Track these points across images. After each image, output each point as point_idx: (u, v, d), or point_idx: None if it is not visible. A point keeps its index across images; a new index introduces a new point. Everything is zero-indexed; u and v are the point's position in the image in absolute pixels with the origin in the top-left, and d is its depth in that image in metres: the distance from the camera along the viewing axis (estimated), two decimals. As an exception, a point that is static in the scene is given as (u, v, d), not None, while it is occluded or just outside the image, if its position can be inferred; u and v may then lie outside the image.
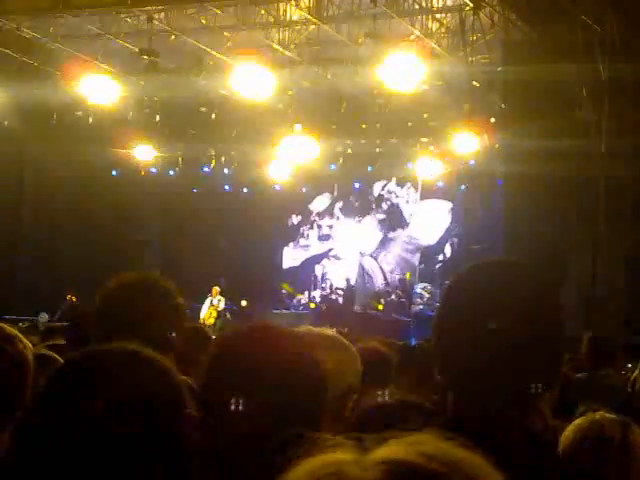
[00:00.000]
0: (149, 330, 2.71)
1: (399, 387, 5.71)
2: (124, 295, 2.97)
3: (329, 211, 27.77)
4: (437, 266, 25.52)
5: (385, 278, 26.29)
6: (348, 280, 26.25)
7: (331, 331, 2.93)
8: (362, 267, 26.96)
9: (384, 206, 27.07)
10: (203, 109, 20.22)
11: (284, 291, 25.65)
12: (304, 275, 26.98)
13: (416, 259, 26.19)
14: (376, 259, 26.83)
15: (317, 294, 26.38)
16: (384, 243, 26.87)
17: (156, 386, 1.66)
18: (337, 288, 25.92)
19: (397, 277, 26.06)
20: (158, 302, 2.99)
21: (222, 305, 22.35)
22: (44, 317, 19.79)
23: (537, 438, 1.85)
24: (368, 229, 27.18)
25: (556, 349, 1.89)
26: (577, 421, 2.89)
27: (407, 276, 25.29)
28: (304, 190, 27.18)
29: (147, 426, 1.60)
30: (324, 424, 1.88)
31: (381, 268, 26.68)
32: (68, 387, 1.63)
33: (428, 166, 23.55)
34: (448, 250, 25.67)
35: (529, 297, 1.88)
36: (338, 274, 26.88)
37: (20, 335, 2.76)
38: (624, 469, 2.77)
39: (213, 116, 20.82)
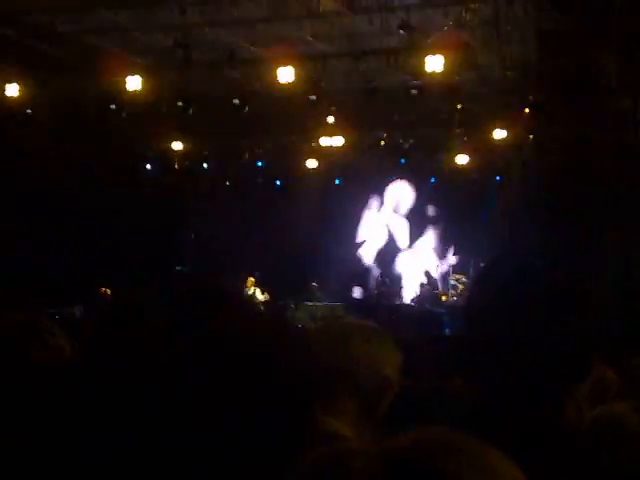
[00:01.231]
0: None
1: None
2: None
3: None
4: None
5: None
6: (382, 274, 26.24)
7: (371, 322, 2.94)
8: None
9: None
10: (236, 101, 20.22)
11: (314, 284, 25.65)
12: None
13: (450, 250, 26.14)
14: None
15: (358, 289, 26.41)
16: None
17: None
18: (381, 280, 25.94)
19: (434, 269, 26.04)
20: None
21: (259, 296, 22.43)
22: (78, 310, 19.90)
23: (568, 430, 1.83)
24: (403, 222, 27.14)
25: (587, 341, 1.87)
26: (595, 412, 2.87)
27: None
28: (337, 182, 27.19)
29: None
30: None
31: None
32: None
33: (462, 157, 23.48)
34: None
35: (557, 288, 1.86)
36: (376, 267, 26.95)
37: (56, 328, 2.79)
38: None
39: (246, 109, 20.82)
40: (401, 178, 27.04)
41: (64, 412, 1.90)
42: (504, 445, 1.74)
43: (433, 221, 26.63)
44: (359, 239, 27.70)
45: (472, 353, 1.90)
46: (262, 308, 21.63)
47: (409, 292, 25.54)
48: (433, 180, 26.57)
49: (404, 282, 26.36)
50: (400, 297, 25.74)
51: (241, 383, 1.77)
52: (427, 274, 25.12)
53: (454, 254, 25.70)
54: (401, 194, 27.13)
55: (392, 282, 26.19)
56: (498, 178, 24.49)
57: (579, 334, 1.84)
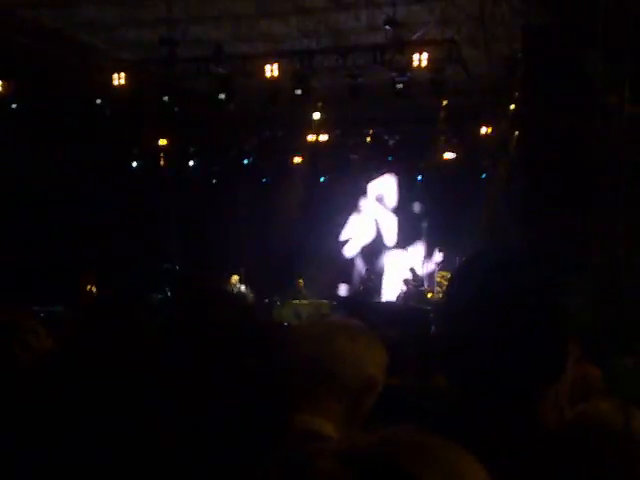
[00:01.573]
0: None
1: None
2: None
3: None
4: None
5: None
6: (368, 271, 26.24)
7: (356, 321, 2.92)
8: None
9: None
10: (222, 97, 20.18)
11: (301, 281, 25.64)
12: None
13: (437, 248, 26.16)
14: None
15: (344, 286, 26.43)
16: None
17: None
18: (367, 277, 25.95)
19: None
20: None
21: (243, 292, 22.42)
22: (59, 308, 19.81)
23: (546, 429, 1.83)
24: (391, 217, 27.14)
25: (563, 339, 1.86)
26: (578, 409, 2.87)
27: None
28: (322, 180, 27.19)
29: None
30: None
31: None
32: None
33: (448, 154, 23.51)
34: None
35: (530, 287, 1.85)
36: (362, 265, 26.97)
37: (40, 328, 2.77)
38: (626, 457, 2.74)
39: (232, 105, 20.80)
40: (386, 172, 27.04)
41: (47, 411, 1.88)
42: (480, 444, 1.73)
43: (419, 218, 26.65)
44: (346, 236, 27.73)
45: (450, 351, 1.90)
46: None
47: (394, 289, 25.55)
48: (420, 178, 26.58)
49: (389, 279, 26.38)
50: (385, 294, 25.75)
51: (223, 382, 1.77)
52: (412, 271, 25.12)
53: (440, 251, 25.72)
54: (385, 186, 27.12)
55: (378, 279, 26.21)
56: (483, 175, 24.54)
57: (554, 333, 1.83)
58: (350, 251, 27.57)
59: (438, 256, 25.73)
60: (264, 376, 1.84)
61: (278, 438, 1.84)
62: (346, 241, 27.70)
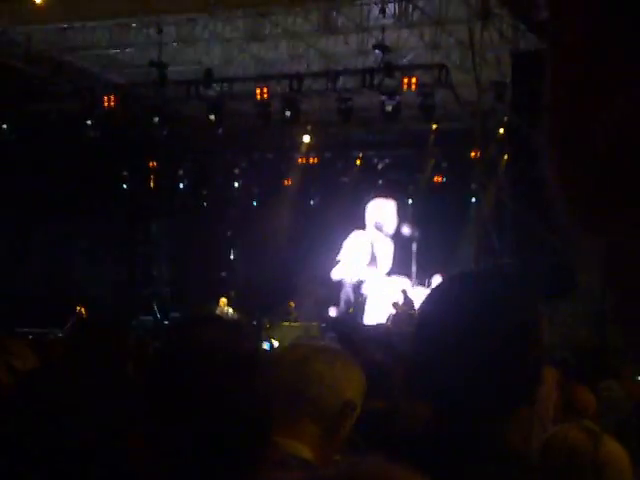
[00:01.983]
0: None
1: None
2: None
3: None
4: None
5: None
6: (359, 293, 26.21)
7: (334, 345, 2.93)
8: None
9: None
10: (212, 118, 20.21)
11: (291, 305, 25.55)
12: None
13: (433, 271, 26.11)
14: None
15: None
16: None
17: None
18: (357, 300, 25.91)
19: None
20: None
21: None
22: (51, 331, 19.74)
23: (514, 452, 1.84)
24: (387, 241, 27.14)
25: (534, 364, 1.87)
26: (548, 434, 2.87)
27: None
28: (312, 203, 27.21)
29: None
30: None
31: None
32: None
33: (438, 177, 23.60)
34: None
35: (505, 311, 1.86)
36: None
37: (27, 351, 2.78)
38: None
39: (220, 130, 20.84)
40: (380, 196, 27.06)
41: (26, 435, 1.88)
42: (450, 468, 1.74)
43: (410, 241, 26.65)
44: (340, 258, 27.70)
45: (421, 373, 1.90)
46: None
47: (384, 312, 25.51)
48: (411, 201, 26.62)
49: (380, 302, 26.34)
50: (375, 317, 25.71)
51: (202, 409, 1.77)
52: (404, 294, 25.09)
53: (438, 274, 25.65)
54: (384, 212, 27.13)
55: (368, 302, 26.16)
56: (473, 199, 24.57)
57: (525, 357, 1.84)
58: (342, 274, 27.54)
59: (437, 278, 25.62)
60: (248, 401, 1.85)
61: (257, 462, 1.85)
62: (339, 263, 27.67)
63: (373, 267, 27.06)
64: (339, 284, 27.56)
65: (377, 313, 25.68)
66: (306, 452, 2.50)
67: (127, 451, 1.77)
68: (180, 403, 1.77)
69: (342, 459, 2.60)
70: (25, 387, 1.89)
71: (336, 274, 27.47)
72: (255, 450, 1.80)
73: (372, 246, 27.29)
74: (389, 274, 26.89)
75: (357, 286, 26.85)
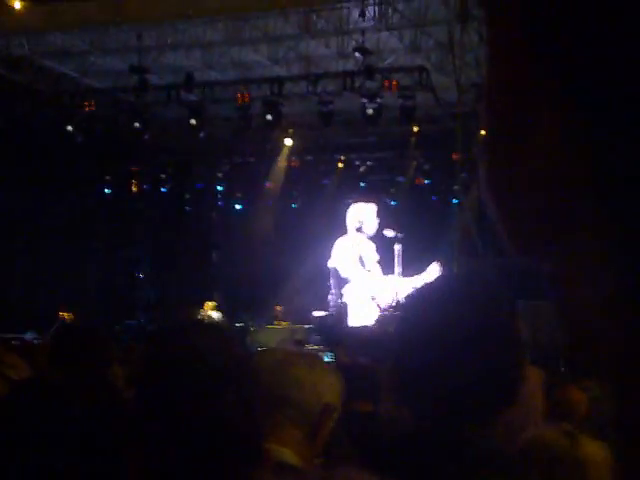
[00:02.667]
0: None
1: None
2: None
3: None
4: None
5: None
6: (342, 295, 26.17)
7: (310, 350, 2.97)
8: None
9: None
10: (193, 122, 20.21)
11: (278, 308, 25.51)
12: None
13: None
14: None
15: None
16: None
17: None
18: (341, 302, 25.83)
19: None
20: None
21: (215, 319, 22.32)
22: (31, 336, 19.66)
23: (496, 454, 1.85)
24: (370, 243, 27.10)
25: (514, 365, 1.89)
26: (527, 437, 2.88)
27: None
28: (294, 206, 27.22)
29: None
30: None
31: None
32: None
33: (420, 180, 23.63)
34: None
35: (485, 314, 1.88)
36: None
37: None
38: None
39: (202, 134, 20.83)
40: (364, 199, 27.03)
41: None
42: (433, 470, 1.76)
43: (392, 243, 26.62)
44: (326, 260, 27.65)
45: (404, 377, 1.92)
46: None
47: (370, 314, 25.50)
48: (394, 203, 26.64)
49: (365, 304, 26.31)
50: (360, 319, 25.68)
51: (193, 416, 1.78)
52: (389, 296, 25.07)
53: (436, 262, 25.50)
54: (364, 215, 27.11)
55: (353, 304, 26.12)
56: (455, 201, 24.62)
57: (507, 358, 1.85)
58: (332, 275, 27.48)
59: (434, 267, 25.43)
60: (239, 406, 1.86)
61: (249, 469, 1.86)
62: (324, 265, 27.63)
63: (360, 268, 27.01)
64: (325, 286, 27.54)
65: (363, 315, 25.65)
66: (290, 456, 2.54)
67: (119, 459, 1.78)
68: (170, 410, 1.78)
69: (322, 466, 2.63)
70: (13, 400, 1.90)
71: (327, 275, 27.41)
72: (247, 456, 1.81)
73: (357, 248, 27.22)
74: (376, 273, 26.87)
75: (344, 287, 26.83)
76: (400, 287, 23.62)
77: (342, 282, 26.80)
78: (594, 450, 2.81)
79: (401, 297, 24.50)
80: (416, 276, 21.37)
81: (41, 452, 1.83)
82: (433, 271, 19.78)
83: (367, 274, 23.14)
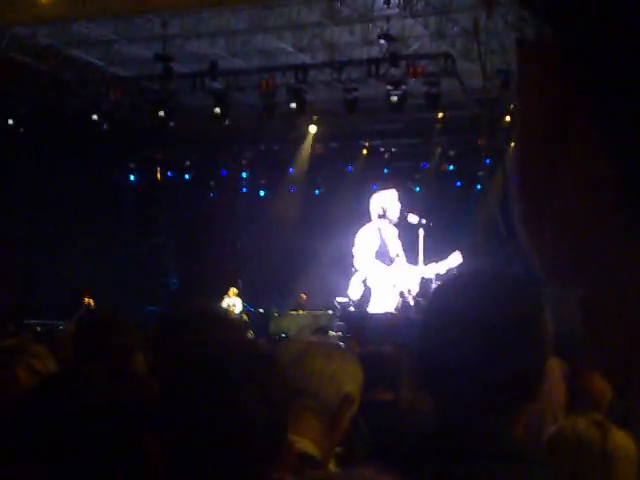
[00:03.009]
0: None
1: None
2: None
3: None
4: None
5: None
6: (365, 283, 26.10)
7: (332, 339, 2.97)
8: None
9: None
10: (217, 112, 20.24)
11: (303, 296, 25.48)
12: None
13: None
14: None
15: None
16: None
17: None
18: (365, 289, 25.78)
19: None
20: None
21: (239, 306, 22.37)
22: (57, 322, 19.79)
23: (518, 449, 1.86)
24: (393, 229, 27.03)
25: (538, 359, 1.90)
26: (555, 428, 2.89)
27: None
28: (317, 192, 27.21)
29: None
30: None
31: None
32: None
33: (445, 166, 23.57)
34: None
35: (514, 308, 1.88)
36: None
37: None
38: (604, 474, 2.76)
39: (226, 122, 20.84)
40: (386, 187, 26.95)
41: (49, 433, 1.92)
42: (455, 461, 1.78)
43: (417, 228, 26.51)
44: (350, 247, 27.59)
45: (428, 368, 1.92)
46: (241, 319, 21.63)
47: (393, 301, 25.43)
48: (418, 189, 26.58)
49: (388, 290, 26.24)
50: (383, 306, 25.63)
51: (219, 409, 1.80)
52: (414, 282, 25.02)
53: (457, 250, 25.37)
54: (387, 202, 26.99)
55: (375, 291, 26.04)
56: (479, 187, 24.54)
57: (530, 351, 1.85)
58: (357, 262, 27.41)
59: (456, 255, 25.35)
60: (265, 400, 1.88)
61: (274, 462, 1.88)
62: (348, 252, 27.57)
63: (383, 255, 26.92)
64: (349, 272, 27.49)
65: (384, 301, 25.59)
66: (309, 446, 2.54)
67: (142, 450, 1.80)
68: (196, 403, 1.80)
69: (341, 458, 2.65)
70: (43, 392, 1.94)
71: (353, 263, 27.34)
72: (272, 450, 1.82)
73: (379, 237, 27.11)
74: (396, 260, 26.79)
75: (368, 274, 26.78)
76: (419, 275, 23.63)
77: (370, 268, 26.73)
78: (623, 439, 2.82)
79: (422, 284, 24.46)
80: (434, 264, 21.39)
81: (71, 448, 1.87)
82: (454, 260, 19.75)
83: (381, 267, 23.08)
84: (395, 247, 24.63)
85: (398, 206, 22.08)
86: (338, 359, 2.66)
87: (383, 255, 26.88)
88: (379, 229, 23.37)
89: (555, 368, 5.24)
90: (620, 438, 2.84)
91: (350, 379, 2.66)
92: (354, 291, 23.80)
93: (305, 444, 2.54)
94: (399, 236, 24.88)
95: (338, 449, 2.75)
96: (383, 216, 22.76)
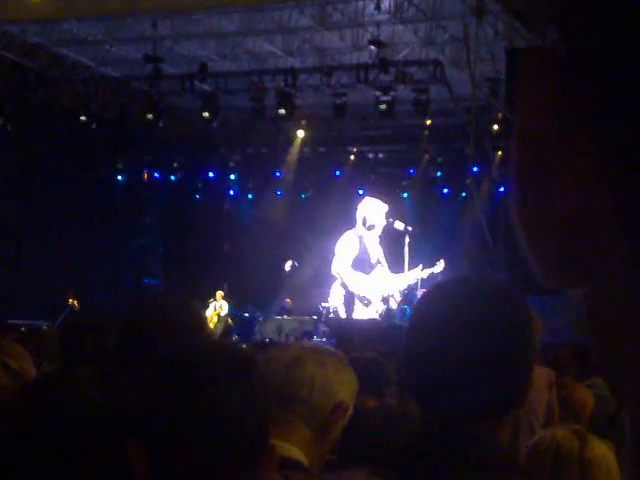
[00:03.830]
0: None
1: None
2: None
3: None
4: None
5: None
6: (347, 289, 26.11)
7: (326, 346, 2.93)
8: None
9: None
10: (206, 114, 20.23)
11: (288, 301, 25.47)
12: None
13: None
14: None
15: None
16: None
17: None
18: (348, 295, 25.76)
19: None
20: None
21: (225, 309, 22.35)
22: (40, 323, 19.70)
23: (501, 456, 1.86)
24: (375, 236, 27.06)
25: (525, 367, 1.89)
26: (536, 436, 2.89)
27: None
28: (303, 197, 27.19)
29: None
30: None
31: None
32: None
33: (432, 173, 23.60)
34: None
35: (496, 315, 1.88)
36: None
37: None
38: None
39: (215, 124, 20.82)
40: (372, 194, 26.96)
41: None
42: (440, 469, 1.78)
43: (403, 235, 26.51)
44: (332, 253, 27.57)
45: (413, 375, 1.92)
46: (221, 321, 21.64)
47: (377, 306, 25.43)
48: (405, 195, 26.60)
49: (372, 296, 26.23)
50: (367, 312, 25.63)
51: (202, 412, 1.79)
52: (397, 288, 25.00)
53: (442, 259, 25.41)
54: (375, 213, 26.98)
55: (359, 297, 26.02)
56: (463, 194, 24.55)
57: (517, 360, 1.85)
58: (335, 268, 27.40)
59: (441, 264, 25.34)
60: (247, 405, 1.86)
61: (256, 467, 1.87)
62: (332, 258, 27.55)
63: (363, 262, 26.91)
64: (331, 279, 27.49)
65: (365, 308, 25.56)
66: (298, 454, 2.51)
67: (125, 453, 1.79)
68: (178, 407, 1.79)
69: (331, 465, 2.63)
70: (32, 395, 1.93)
71: (332, 268, 27.33)
72: (254, 451, 1.81)
73: (360, 242, 27.08)
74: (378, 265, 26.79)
75: (350, 279, 26.78)
76: (403, 282, 23.58)
77: (352, 274, 26.72)
78: (602, 452, 2.83)
79: (406, 291, 24.43)
80: (417, 270, 21.37)
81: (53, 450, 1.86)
82: (438, 267, 19.75)
83: (356, 274, 23.06)
84: (376, 254, 24.64)
85: (384, 220, 22.06)
86: (331, 366, 2.62)
87: (363, 262, 26.89)
88: (360, 236, 23.41)
89: (539, 377, 5.25)
90: (599, 449, 2.84)
91: (343, 387, 2.62)
92: (334, 298, 23.82)
93: (292, 451, 2.52)
94: (381, 243, 24.93)
95: (330, 457, 2.72)
96: (367, 225, 22.76)
